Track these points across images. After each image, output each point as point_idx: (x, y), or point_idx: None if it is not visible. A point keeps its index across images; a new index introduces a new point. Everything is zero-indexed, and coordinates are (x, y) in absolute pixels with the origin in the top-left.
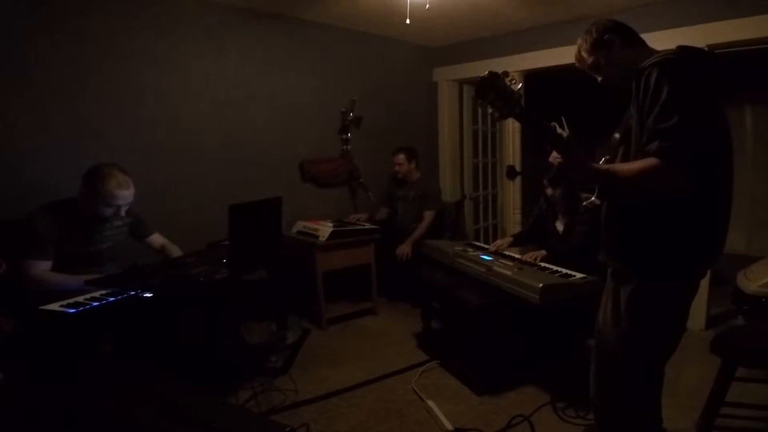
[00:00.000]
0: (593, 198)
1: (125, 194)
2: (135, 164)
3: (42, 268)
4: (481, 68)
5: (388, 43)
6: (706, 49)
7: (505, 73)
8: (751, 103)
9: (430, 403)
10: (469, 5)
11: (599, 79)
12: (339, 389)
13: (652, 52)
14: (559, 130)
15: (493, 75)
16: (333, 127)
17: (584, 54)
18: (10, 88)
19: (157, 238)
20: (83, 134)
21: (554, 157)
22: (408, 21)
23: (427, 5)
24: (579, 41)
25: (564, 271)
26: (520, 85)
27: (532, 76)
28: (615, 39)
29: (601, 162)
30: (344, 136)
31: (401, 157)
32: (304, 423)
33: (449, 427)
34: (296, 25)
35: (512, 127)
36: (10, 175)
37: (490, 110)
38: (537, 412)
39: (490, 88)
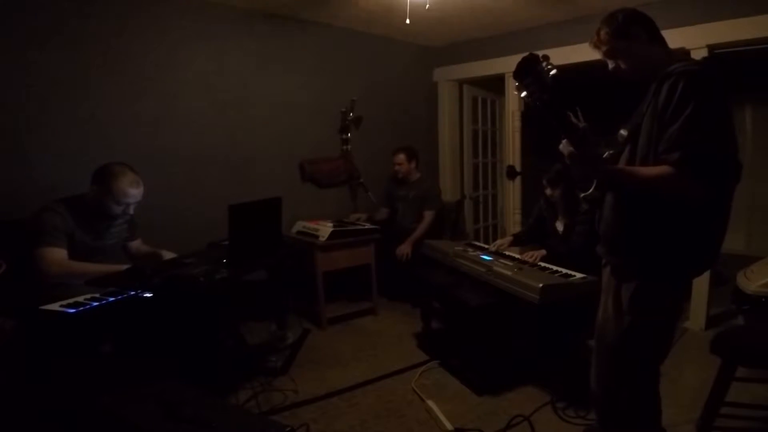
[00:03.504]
0: (591, 190)
1: (136, 192)
2: (135, 164)
3: (60, 255)
4: (481, 68)
5: (388, 43)
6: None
7: (545, 57)
8: (751, 103)
9: (430, 403)
10: (469, 5)
11: (611, 66)
12: (339, 389)
13: (674, 53)
14: (573, 120)
15: (533, 57)
16: (333, 127)
17: (603, 37)
18: (12, 89)
19: (138, 244)
20: (84, 134)
21: (564, 146)
22: (408, 21)
23: (427, 5)
24: (600, 24)
25: (564, 271)
26: (554, 71)
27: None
28: (641, 32)
29: (605, 155)
30: (344, 136)
31: (401, 157)
32: (304, 423)
33: (449, 427)
34: (296, 25)
35: (512, 127)
36: (10, 176)
37: (524, 94)
38: (537, 412)
39: (528, 71)
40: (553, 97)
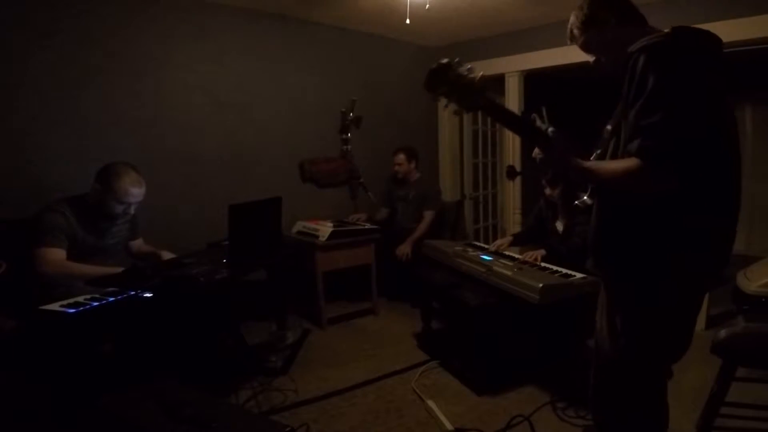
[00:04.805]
0: (585, 197)
1: (138, 192)
2: (135, 164)
3: (59, 255)
4: (481, 68)
5: (388, 43)
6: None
7: (459, 63)
8: (751, 103)
9: (430, 403)
10: (469, 5)
11: (592, 61)
12: (339, 389)
13: (651, 31)
14: (538, 122)
15: (442, 66)
16: (333, 127)
17: (576, 32)
18: (11, 89)
19: (140, 244)
20: (83, 135)
21: (536, 152)
22: (408, 21)
23: (427, 5)
24: (571, 17)
25: (564, 271)
26: (481, 73)
27: (532, 76)
28: (609, 17)
29: (593, 156)
30: (344, 136)
31: (401, 157)
32: (304, 423)
33: (449, 427)
34: (296, 26)
35: None
36: (10, 175)
37: (446, 103)
38: (537, 412)
39: (440, 80)
40: (489, 101)
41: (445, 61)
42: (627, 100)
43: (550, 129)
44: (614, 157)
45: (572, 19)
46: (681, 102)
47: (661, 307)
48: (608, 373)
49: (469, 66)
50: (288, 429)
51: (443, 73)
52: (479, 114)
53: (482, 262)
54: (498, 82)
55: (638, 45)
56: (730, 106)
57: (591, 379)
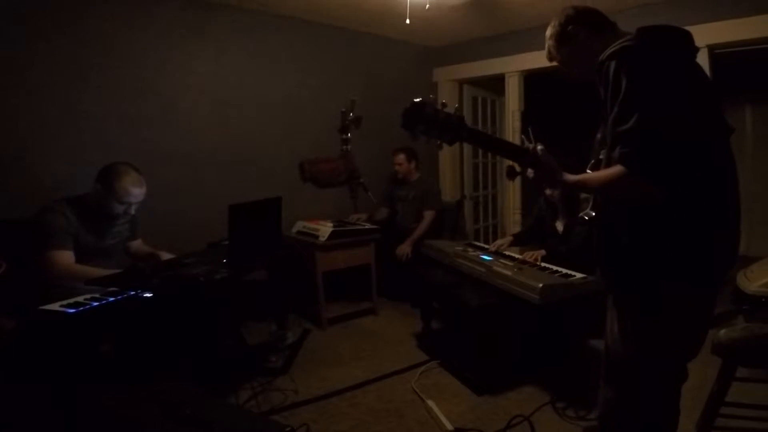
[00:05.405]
0: (589, 209)
1: (139, 192)
2: (135, 164)
3: (68, 258)
4: (481, 68)
5: (388, 43)
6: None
7: (433, 100)
8: (751, 103)
9: (430, 403)
10: (468, 6)
11: (575, 75)
12: (339, 389)
13: (621, 36)
14: (526, 143)
15: (416, 105)
16: (333, 127)
17: (553, 51)
18: (11, 89)
19: (139, 244)
20: (83, 135)
21: (530, 171)
22: (408, 21)
23: (427, 5)
24: (546, 37)
25: (564, 271)
26: (456, 105)
27: (532, 77)
28: (579, 29)
29: (589, 166)
30: (344, 136)
31: (401, 157)
32: (304, 423)
33: (449, 427)
34: (296, 25)
35: (512, 127)
36: (10, 175)
37: (426, 140)
38: (537, 412)
39: (417, 119)
40: (471, 132)
41: (418, 99)
42: (605, 108)
43: (539, 147)
44: (608, 166)
45: (547, 39)
46: (655, 102)
47: (669, 312)
48: (618, 373)
49: (443, 101)
50: (288, 429)
51: (419, 111)
52: (479, 114)
53: (482, 262)
54: (498, 81)
55: (607, 52)
56: (714, 99)
57: (600, 379)
